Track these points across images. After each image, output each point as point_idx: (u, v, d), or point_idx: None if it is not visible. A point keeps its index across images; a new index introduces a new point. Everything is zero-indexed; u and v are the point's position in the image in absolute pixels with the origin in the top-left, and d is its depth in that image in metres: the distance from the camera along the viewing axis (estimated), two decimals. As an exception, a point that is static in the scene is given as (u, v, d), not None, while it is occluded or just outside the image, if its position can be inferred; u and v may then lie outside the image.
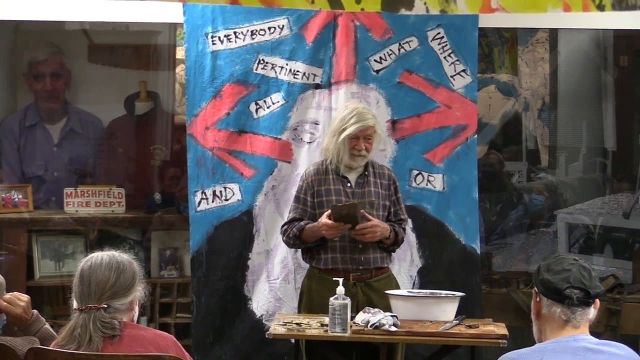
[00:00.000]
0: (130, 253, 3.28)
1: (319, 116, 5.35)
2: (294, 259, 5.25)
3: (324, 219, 4.55)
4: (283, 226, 4.78)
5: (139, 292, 3.20)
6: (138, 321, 3.32)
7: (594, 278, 3.02)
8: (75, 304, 3.13)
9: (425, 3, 5.40)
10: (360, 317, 4.30)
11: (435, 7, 5.42)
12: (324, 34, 5.33)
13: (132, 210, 5.97)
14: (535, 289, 3.06)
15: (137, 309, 3.22)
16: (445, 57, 5.40)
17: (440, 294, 4.57)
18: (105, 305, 3.08)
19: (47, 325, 3.41)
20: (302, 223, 4.67)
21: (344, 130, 4.64)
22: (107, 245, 3.32)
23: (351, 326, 4.24)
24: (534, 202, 7.11)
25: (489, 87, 7.45)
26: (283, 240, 4.80)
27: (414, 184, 5.38)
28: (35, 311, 3.40)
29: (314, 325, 4.36)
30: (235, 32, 5.30)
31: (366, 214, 4.56)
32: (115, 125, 6.35)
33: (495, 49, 7.19)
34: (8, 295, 3.38)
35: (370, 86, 5.36)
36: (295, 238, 4.67)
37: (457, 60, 5.40)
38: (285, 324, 4.39)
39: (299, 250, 4.91)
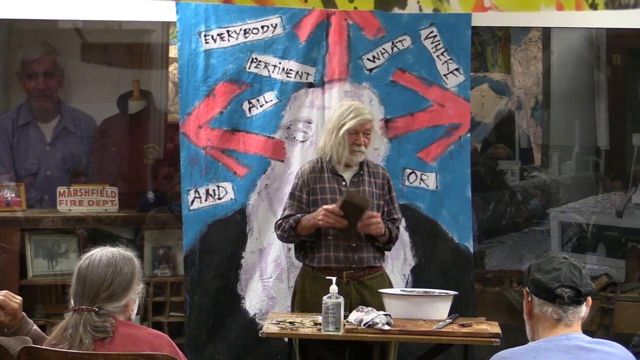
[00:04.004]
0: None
1: (312, 115, 5.35)
2: (287, 258, 5.25)
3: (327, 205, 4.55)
4: (277, 221, 4.78)
5: (136, 292, 3.15)
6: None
7: (585, 276, 3.01)
8: (71, 302, 3.10)
9: (418, 2, 5.40)
10: (354, 316, 4.29)
11: (428, 5, 5.42)
12: (317, 32, 5.33)
13: (125, 209, 5.97)
14: (527, 289, 3.06)
15: (135, 308, 3.18)
16: (438, 56, 5.40)
17: (434, 292, 4.57)
18: (97, 309, 3.04)
19: (36, 327, 3.36)
20: (298, 215, 4.66)
21: (343, 125, 4.63)
22: (100, 244, 3.26)
23: (344, 325, 4.25)
24: (527, 200, 7.11)
25: (482, 86, 7.45)
26: (277, 234, 4.78)
27: (407, 183, 5.38)
28: (23, 313, 3.35)
29: (307, 324, 4.35)
30: (228, 31, 5.30)
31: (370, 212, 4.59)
32: (108, 124, 6.34)
33: (488, 48, 7.19)
34: (2, 295, 3.34)
35: (364, 85, 5.36)
36: (290, 229, 4.65)
37: (450, 59, 5.40)
38: (278, 322, 4.38)
39: (292, 249, 4.91)
